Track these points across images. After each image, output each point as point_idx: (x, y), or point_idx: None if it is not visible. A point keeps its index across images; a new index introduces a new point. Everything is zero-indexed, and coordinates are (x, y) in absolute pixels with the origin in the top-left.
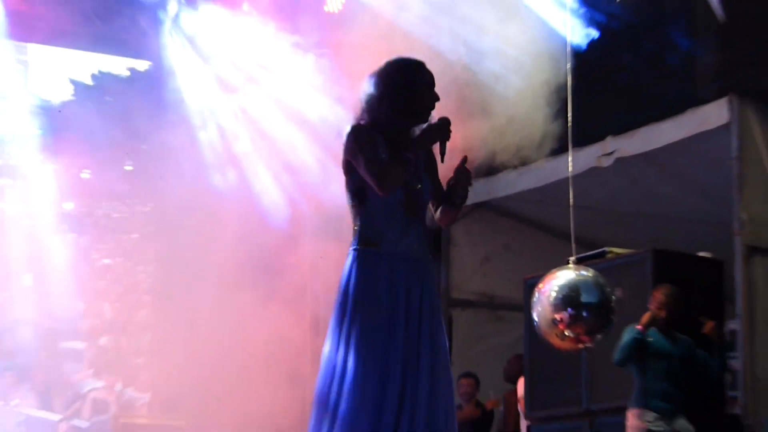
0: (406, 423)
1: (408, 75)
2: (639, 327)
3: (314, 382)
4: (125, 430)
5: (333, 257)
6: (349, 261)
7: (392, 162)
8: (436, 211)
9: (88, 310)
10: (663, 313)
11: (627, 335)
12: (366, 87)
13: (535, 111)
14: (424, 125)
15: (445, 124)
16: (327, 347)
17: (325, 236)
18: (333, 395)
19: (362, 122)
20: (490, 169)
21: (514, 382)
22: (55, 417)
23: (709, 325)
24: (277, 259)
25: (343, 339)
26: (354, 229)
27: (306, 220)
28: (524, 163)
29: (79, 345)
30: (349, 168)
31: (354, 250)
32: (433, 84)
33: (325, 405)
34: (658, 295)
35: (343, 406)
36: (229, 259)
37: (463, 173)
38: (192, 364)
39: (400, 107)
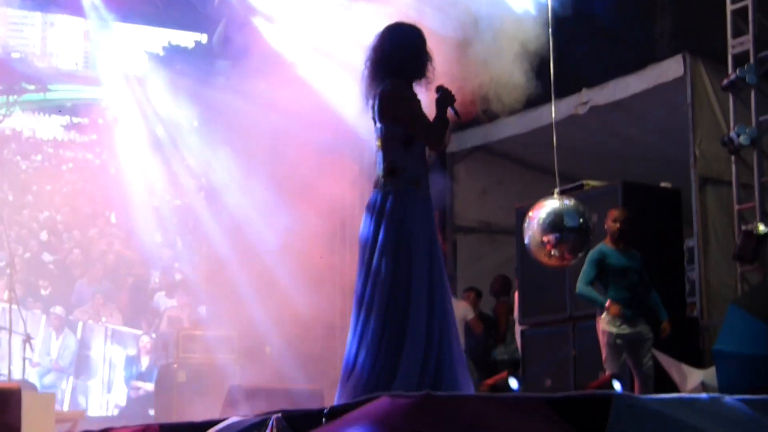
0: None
1: (418, 38)
2: (606, 306)
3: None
4: (187, 341)
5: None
6: (394, 198)
7: (442, 124)
8: None
9: (164, 242)
10: (618, 226)
11: (586, 273)
12: (382, 45)
13: (518, 69)
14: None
15: (449, 90)
16: (385, 270)
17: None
18: (400, 311)
19: (401, 83)
20: (485, 118)
21: (498, 296)
22: (138, 331)
23: (666, 329)
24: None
25: (402, 263)
26: (392, 170)
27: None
28: (513, 112)
29: (156, 271)
30: (397, 119)
31: (405, 188)
32: (427, 44)
33: (393, 316)
34: (614, 214)
35: (410, 324)
36: (277, 191)
37: None
38: (239, 287)
39: (416, 63)
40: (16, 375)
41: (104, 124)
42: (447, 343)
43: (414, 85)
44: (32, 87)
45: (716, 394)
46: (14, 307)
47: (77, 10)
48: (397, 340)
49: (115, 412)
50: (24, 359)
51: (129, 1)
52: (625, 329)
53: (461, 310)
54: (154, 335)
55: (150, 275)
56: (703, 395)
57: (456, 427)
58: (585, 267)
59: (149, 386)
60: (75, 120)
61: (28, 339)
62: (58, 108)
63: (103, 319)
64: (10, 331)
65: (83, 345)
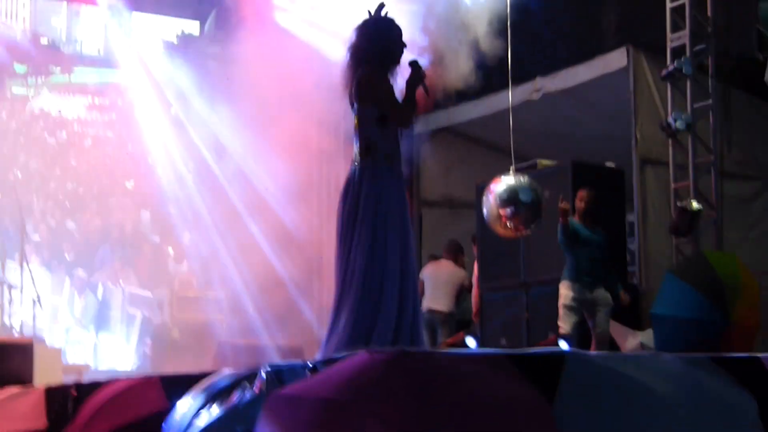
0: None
1: (392, 29)
2: (561, 221)
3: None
4: (180, 301)
5: None
6: (371, 175)
7: (411, 105)
8: None
9: (178, 212)
10: (583, 204)
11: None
12: (358, 38)
13: (480, 56)
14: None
15: (420, 67)
16: (364, 241)
17: None
18: (376, 278)
19: (373, 70)
20: (448, 102)
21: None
22: (151, 294)
23: (626, 299)
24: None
25: (380, 240)
26: (368, 147)
27: None
28: (474, 97)
29: (169, 238)
30: (371, 100)
31: (374, 166)
32: (402, 39)
33: (371, 283)
34: (581, 193)
35: (386, 290)
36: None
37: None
38: (227, 250)
39: (388, 53)
40: (27, 330)
41: (123, 105)
42: (418, 306)
43: (390, 72)
44: (58, 69)
45: (656, 352)
46: (26, 268)
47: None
48: (373, 303)
49: (133, 365)
50: (34, 316)
51: None
52: (582, 294)
53: (459, 274)
54: (164, 297)
55: (162, 242)
56: (645, 353)
57: (428, 380)
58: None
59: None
60: (97, 101)
61: (38, 298)
62: (82, 89)
63: (121, 281)
64: (22, 289)
65: (103, 305)
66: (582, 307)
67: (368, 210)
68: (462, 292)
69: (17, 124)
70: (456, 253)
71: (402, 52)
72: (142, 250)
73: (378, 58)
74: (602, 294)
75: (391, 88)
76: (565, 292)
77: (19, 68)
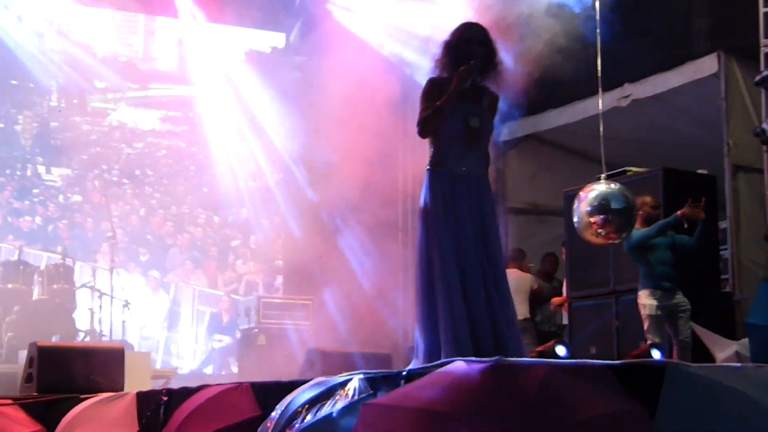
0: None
1: (453, 34)
2: (678, 214)
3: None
4: (267, 308)
5: None
6: (425, 179)
7: (429, 113)
8: None
9: (249, 215)
10: (655, 211)
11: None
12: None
13: (567, 64)
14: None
15: (463, 70)
16: (419, 245)
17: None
18: (428, 282)
19: (435, 76)
20: (534, 108)
21: (549, 276)
22: (219, 293)
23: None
24: None
25: (429, 238)
26: (429, 154)
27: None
28: (561, 104)
29: (236, 242)
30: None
31: (427, 170)
32: (475, 39)
33: (423, 288)
34: (651, 200)
35: (440, 297)
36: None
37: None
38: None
39: (448, 60)
40: (116, 335)
41: (194, 117)
42: (511, 311)
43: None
44: (135, 86)
45: (762, 364)
46: (116, 274)
47: (172, 11)
48: (430, 316)
49: (202, 358)
50: (123, 321)
51: (216, 2)
52: (665, 301)
53: (526, 280)
54: (233, 296)
55: (230, 245)
56: (750, 365)
57: (526, 391)
58: (645, 231)
59: (228, 339)
60: (170, 113)
61: (126, 304)
62: (157, 103)
63: (191, 281)
64: (112, 297)
65: (175, 303)
66: (665, 315)
67: (419, 214)
68: (536, 298)
69: (97, 135)
70: (520, 260)
71: (472, 55)
72: (210, 252)
73: (439, 65)
74: (681, 299)
75: (433, 95)
76: (649, 301)
77: (99, 84)
